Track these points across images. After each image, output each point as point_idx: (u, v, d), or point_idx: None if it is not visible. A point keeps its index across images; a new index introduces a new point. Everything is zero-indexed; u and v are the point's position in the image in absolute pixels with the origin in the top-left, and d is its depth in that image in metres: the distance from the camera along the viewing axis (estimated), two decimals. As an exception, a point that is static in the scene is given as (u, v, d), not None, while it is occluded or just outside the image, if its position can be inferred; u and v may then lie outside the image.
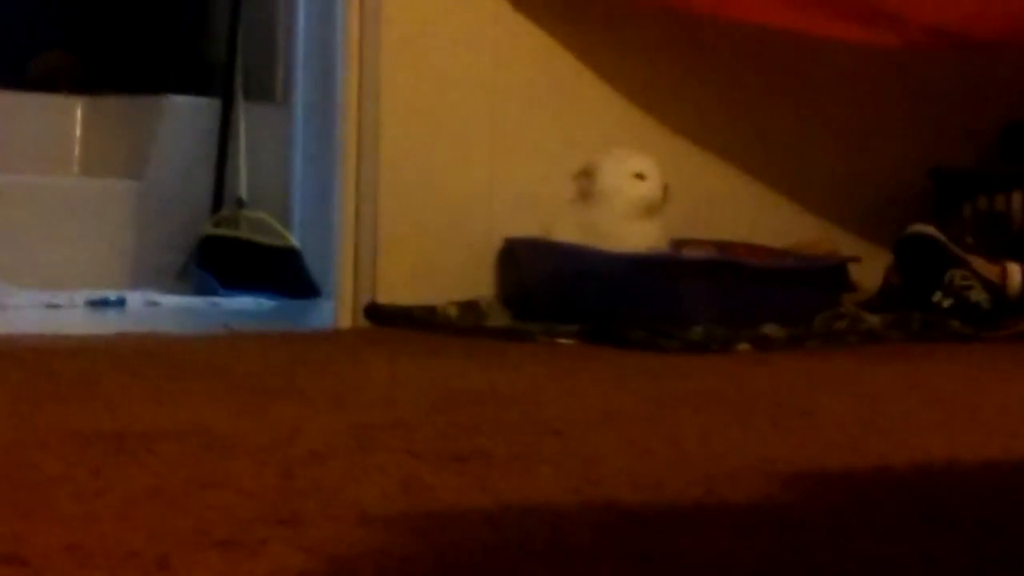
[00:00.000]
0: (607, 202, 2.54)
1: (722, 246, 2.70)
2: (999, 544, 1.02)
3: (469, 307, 2.56)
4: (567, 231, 2.55)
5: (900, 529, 1.06)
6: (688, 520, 1.07)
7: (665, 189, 2.54)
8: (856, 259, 2.75)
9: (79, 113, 3.47)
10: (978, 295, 2.63)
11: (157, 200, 3.31)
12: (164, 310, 2.90)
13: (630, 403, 1.70)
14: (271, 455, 1.27)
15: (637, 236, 2.51)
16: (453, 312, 2.53)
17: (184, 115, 3.39)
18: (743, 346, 2.31)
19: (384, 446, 1.33)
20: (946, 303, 2.64)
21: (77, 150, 3.44)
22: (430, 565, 0.92)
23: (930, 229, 2.73)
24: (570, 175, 2.58)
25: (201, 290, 3.12)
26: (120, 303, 2.91)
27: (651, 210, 2.53)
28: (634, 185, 2.54)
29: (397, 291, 2.57)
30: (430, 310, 2.52)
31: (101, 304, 2.88)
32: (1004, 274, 2.65)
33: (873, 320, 2.58)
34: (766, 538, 1.02)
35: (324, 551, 0.94)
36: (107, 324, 2.57)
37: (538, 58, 2.75)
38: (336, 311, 2.57)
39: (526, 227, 2.63)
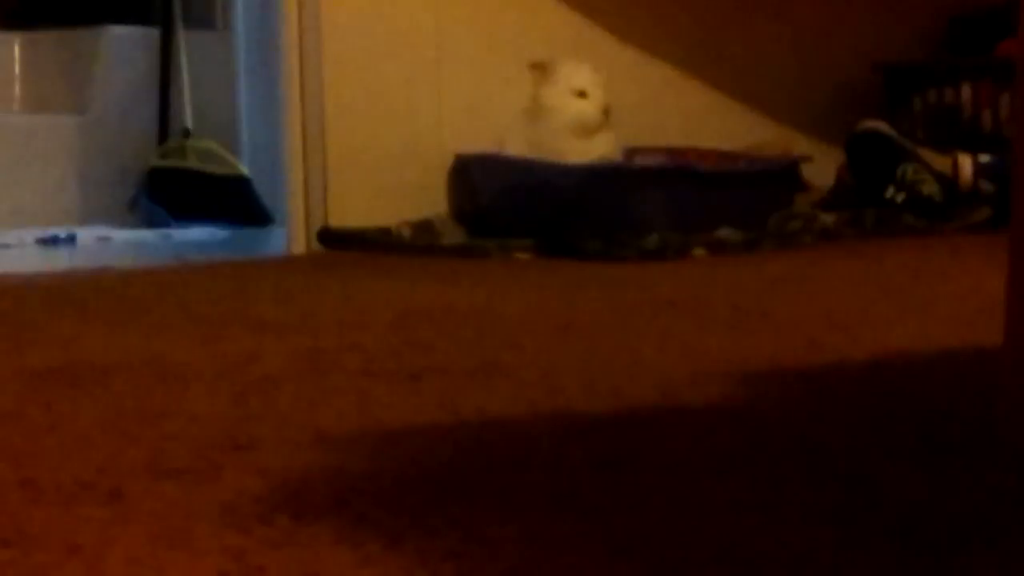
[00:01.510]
0: (550, 118, 2.51)
1: (673, 152, 2.68)
2: (956, 431, 1.03)
3: (423, 226, 2.54)
4: (517, 146, 2.53)
5: (858, 422, 1.07)
6: (647, 425, 1.07)
7: (606, 109, 2.52)
8: (808, 158, 2.75)
9: (16, 49, 3.41)
10: (930, 188, 2.64)
11: (102, 134, 3.26)
12: (115, 245, 2.86)
13: (587, 313, 1.70)
14: (225, 382, 1.26)
15: (579, 153, 2.49)
16: (407, 232, 2.51)
17: (124, 46, 3.33)
18: (698, 251, 2.31)
19: (340, 368, 1.32)
20: (899, 198, 2.64)
21: (17, 87, 3.38)
22: (388, 483, 0.91)
23: (881, 124, 2.72)
24: (526, 70, 2.54)
25: (152, 223, 3.09)
26: (71, 240, 2.87)
27: (589, 129, 2.51)
28: (574, 103, 2.51)
29: (350, 214, 2.54)
30: (384, 231, 2.50)
31: (51, 242, 2.85)
32: (955, 166, 2.66)
33: (827, 219, 2.59)
34: (725, 438, 1.02)
35: (281, 474, 0.93)
36: (58, 261, 2.53)
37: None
38: (289, 237, 2.55)
39: (477, 142, 2.61)
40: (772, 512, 0.82)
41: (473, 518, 0.82)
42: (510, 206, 2.51)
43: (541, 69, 2.53)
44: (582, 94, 2.52)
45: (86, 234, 2.94)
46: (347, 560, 0.74)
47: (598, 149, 2.52)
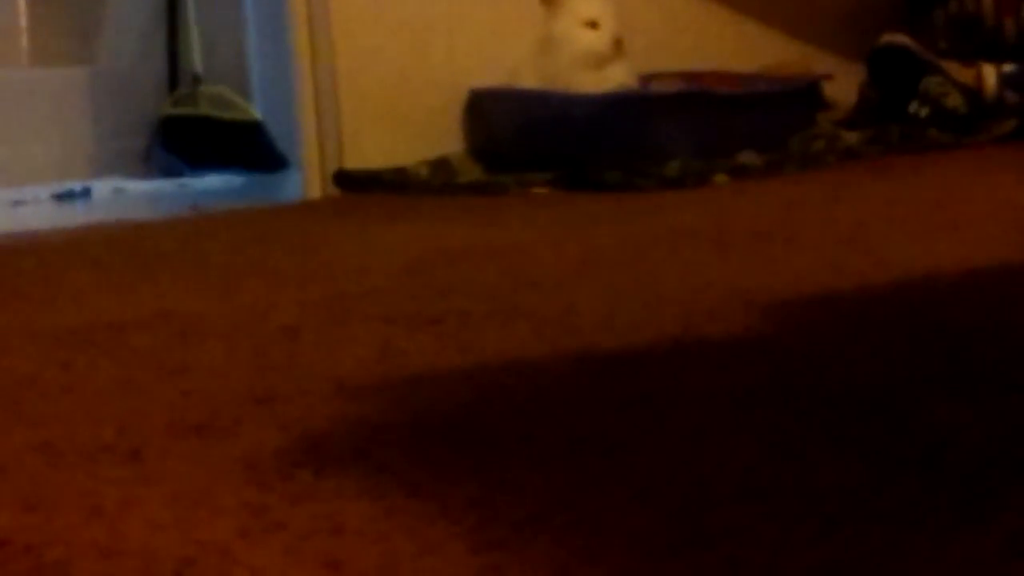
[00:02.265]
0: (560, 50, 2.47)
1: (691, 77, 2.64)
2: (987, 354, 1.01)
3: (440, 165, 2.51)
4: (529, 79, 2.50)
5: (885, 349, 1.05)
6: (668, 361, 1.06)
7: (617, 39, 2.47)
8: (828, 76, 2.70)
9: (23, 3, 3.37)
10: (955, 101, 2.59)
11: (112, 84, 3.24)
12: (131, 196, 2.85)
13: (607, 248, 1.68)
14: (242, 335, 1.24)
15: (592, 84, 2.45)
16: (424, 171, 2.49)
17: (129, -6, 3.30)
18: (720, 178, 2.28)
19: (358, 315, 1.30)
20: (923, 112, 2.60)
21: (24, 40, 3.35)
22: (409, 431, 0.90)
23: (902, 38, 2.67)
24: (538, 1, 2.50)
25: (167, 172, 3.07)
26: (86, 193, 2.86)
27: (601, 61, 2.47)
28: (584, 35, 2.47)
29: (365, 155, 2.52)
30: (400, 171, 2.48)
31: (67, 196, 2.84)
32: (979, 77, 2.61)
33: (851, 137, 2.55)
34: (748, 371, 1.00)
35: (300, 427, 0.92)
36: (74, 216, 2.52)
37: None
38: (305, 182, 2.53)
39: (491, 78, 2.57)
40: (797, 445, 0.80)
41: (495, 464, 0.81)
42: (526, 140, 2.48)
43: (551, 0, 2.48)
44: (592, 24, 2.47)
45: (101, 187, 2.92)
46: (369, 513, 0.73)
47: (612, 79, 2.48)
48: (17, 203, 2.76)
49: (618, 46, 2.47)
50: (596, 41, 2.47)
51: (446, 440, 0.87)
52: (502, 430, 0.89)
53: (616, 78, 2.48)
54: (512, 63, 2.55)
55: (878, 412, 0.86)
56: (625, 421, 0.89)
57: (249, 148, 3.03)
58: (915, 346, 1.04)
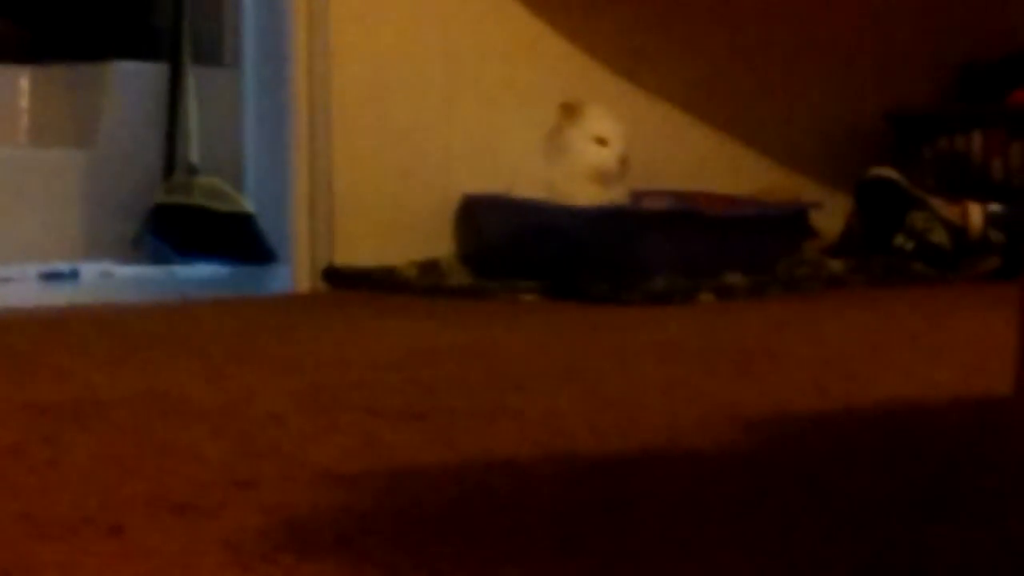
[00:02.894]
0: (567, 160, 2.52)
1: (681, 196, 2.68)
2: (966, 479, 1.01)
3: (429, 267, 2.53)
4: (529, 183, 2.53)
5: (867, 469, 1.05)
6: (652, 469, 1.06)
7: (623, 159, 2.52)
8: (817, 204, 2.74)
9: (25, 83, 3.41)
10: (940, 236, 2.63)
11: (108, 169, 3.25)
12: (119, 280, 2.85)
13: (593, 356, 1.69)
14: (228, 419, 1.24)
15: (591, 198, 2.49)
16: (413, 272, 2.50)
17: (132, 81, 3.33)
18: (706, 296, 2.30)
19: (344, 406, 1.30)
20: (908, 246, 2.63)
21: (25, 120, 3.38)
22: (392, 522, 0.90)
23: (890, 172, 2.72)
24: (556, 109, 2.55)
25: (156, 259, 3.08)
26: (74, 275, 2.86)
27: (605, 178, 2.52)
28: (593, 151, 2.52)
29: (355, 253, 2.53)
30: (389, 271, 2.49)
31: (54, 277, 2.84)
32: (965, 214, 2.65)
33: (835, 265, 2.58)
34: (733, 484, 1.01)
35: (283, 512, 0.92)
36: (61, 296, 2.52)
37: (491, 12, 2.71)
38: (294, 276, 2.53)
39: (484, 184, 2.61)
40: (781, 559, 0.81)
41: (478, 559, 0.81)
42: (516, 247, 2.50)
43: (569, 110, 2.53)
44: (602, 141, 2.52)
45: (89, 269, 2.93)
46: (350, 600, 0.73)
47: (612, 197, 2.53)
48: (3, 280, 2.76)
49: (623, 165, 2.52)
50: (604, 158, 2.52)
51: (429, 532, 0.87)
52: (485, 526, 0.89)
53: (616, 196, 2.53)
54: (507, 171, 2.59)
55: (862, 531, 0.87)
56: (609, 525, 0.89)
57: (240, 240, 3.04)
58: (896, 468, 1.05)
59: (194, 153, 3.22)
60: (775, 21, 3.01)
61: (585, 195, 2.49)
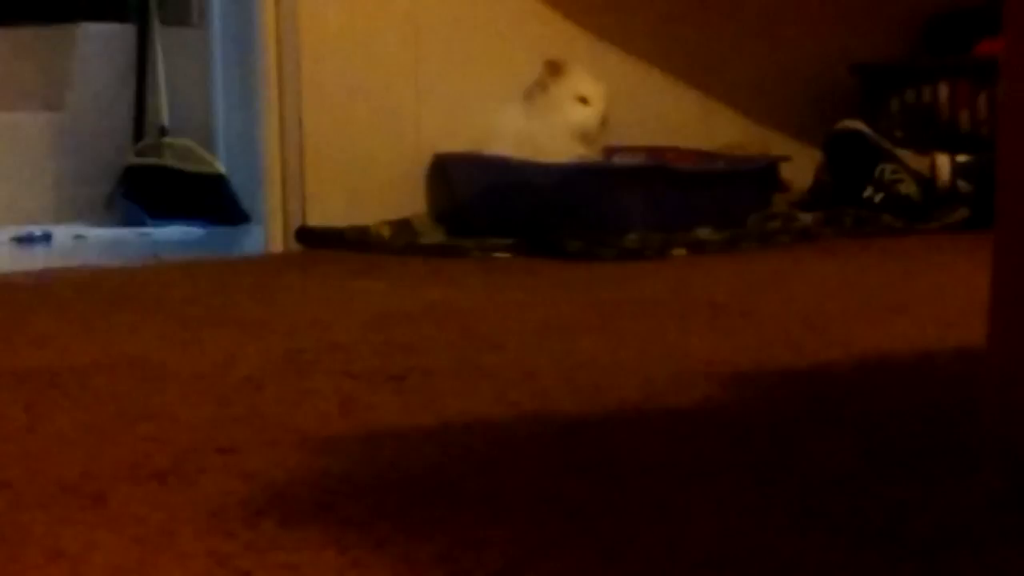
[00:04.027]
0: (549, 118, 2.54)
1: (653, 152, 2.69)
2: (940, 432, 1.03)
3: (402, 226, 2.53)
4: (505, 137, 2.53)
5: (842, 424, 1.07)
6: (630, 427, 1.07)
7: (604, 120, 2.55)
8: (786, 158, 2.75)
9: (-9, 46, 3.38)
10: (908, 188, 2.65)
11: (78, 131, 3.24)
12: (91, 243, 2.85)
13: (568, 314, 1.70)
14: (206, 384, 1.25)
15: (568, 155, 2.50)
16: (386, 231, 2.50)
17: (100, 43, 3.31)
18: (678, 251, 2.31)
19: (321, 369, 1.31)
20: (877, 198, 2.65)
21: (-8, 84, 3.36)
22: (373, 485, 0.91)
23: (859, 124, 2.73)
24: (537, 64, 2.56)
25: (128, 221, 3.07)
26: (46, 238, 2.85)
27: (587, 137, 2.55)
28: (576, 109, 2.55)
29: (328, 213, 2.53)
30: (362, 230, 2.49)
31: (27, 240, 2.83)
32: (933, 166, 2.67)
33: (806, 218, 2.59)
34: (709, 440, 1.02)
35: (263, 477, 0.92)
36: (34, 260, 2.51)
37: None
38: (267, 236, 2.53)
39: (455, 142, 2.60)
40: (757, 515, 0.82)
41: (459, 520, 0.82)
42: (489, 205, 2.50)
43: (553, 68, 2.55)
44: (584, 100, 2.54)
45: (62, 232, 2.92)
46: (333, 564, 0.74)
47: (590, 155, 2.54)
48: (-25, 245, 2.75)
49: (603, 125, 2.54)
50: (586, 117, 2.54)
51: (410, 495, 0.88)
52: (465, 488, 0.90)
53: (593, 154, 2.55)
54: (484, 124, 2.59)
55: (837, 486, 0.88)
56: (587, 485, 0.90)
57: (212, 201, 3.04)
58: (871, 422, 1.07)
59: (164, 115, 3.21)
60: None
61: (566, 152, 2.51)
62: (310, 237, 2.49)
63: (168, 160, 3.11)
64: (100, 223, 3.06)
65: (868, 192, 2.66)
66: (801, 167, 2.80)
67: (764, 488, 0.88)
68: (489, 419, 1.10)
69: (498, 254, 2.33)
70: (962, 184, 2.63)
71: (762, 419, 1.09)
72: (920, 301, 1.74)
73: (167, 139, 3.16)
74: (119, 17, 3.35)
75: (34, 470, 0.95)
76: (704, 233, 2.42)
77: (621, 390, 1.19)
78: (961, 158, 2.66)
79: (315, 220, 2.52)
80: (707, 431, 1.05)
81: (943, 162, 2.66)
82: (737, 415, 1.11)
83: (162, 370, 1.32)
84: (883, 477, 0.90)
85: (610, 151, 2.64)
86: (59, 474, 0.94)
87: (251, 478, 0.92)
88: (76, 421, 1.11)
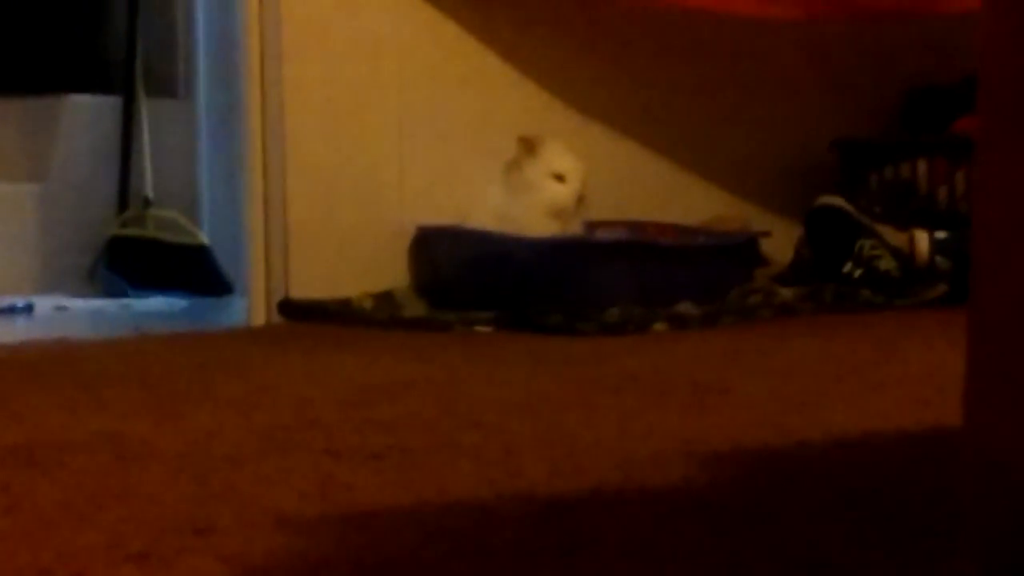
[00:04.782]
0: (525, 195, 2.54)
1: (634, 226, 2.70)
2: (917, 515, 1.03)
3: (384, 298, 2.54)
4: (484, 214, 2.55)
5: (820, 506, 1.07)
6: (609, 508, 1.07)
7: (581, 197, 2.55)
8: (766, 233, 2.77)
9: (-25, 116, 3.39)
10: (887, 264, 2.67)
11: (61, 202, 3.24)
12: (73, 314, 2.84)
13: (549, 389, 1.70)
14: (185, 462, 1.25)
15: (546, 231, 2.51)
16: (368, 304, 2.51)
17: (85, 114, 3.33)
18: (659, 326, 2.32)
19: (301, 447, 1.31)
20: (857, 273, 2.67)
21: (-24, 154, 3.36)
22: (350, 568, 0.91)
23: (838, 200, 2.76)
24: (512, 141, 2.57)
25: (111, 292, 3.07)
26: (28, 309, 2.85)
27: (563, 215, 2.54)
28: (551, 186, 2.54)
29: (311, 285, 2.54)
30: (344, 303, 2.50)
31: (8, 311, 2.82)
32: (912, 242, 2.69)
33: (786, 293, 2.61)
34: (688, 522, 1.02)
35: (241, 559, 0.92)
36: (14, 332, 2.51)
37: (444, 44, 2.73)
38: (249, 308, 2.54)
39: (438, 215, 2.62)
40: (736, 601, 0.82)
41: (437, 607, 0.81)
42: (471, 278, 2.51)
43: (528, 145, 2.55)
44: (560, 178, 2.55)
45: (44, 303, 2.91)
46: (310, 651, 0.73)
47: (565, 229, 2.55)
48: (-42, 315, 2.75)
49: (580, 201, 2.55)
50: (562, 195, 2.54)
51: (388, 579, 0.88)
52: (444, 572, 0.90)
53: (571, 230, 2.55)
54: (464, 200, 2.60)
55: (817, 572, 0.88)
56: (567, 569, 0.90)
57: (195, 272, 3.04)
58: (849, 504, 1.07)
59: (148, 186, 3.22)
60: (723, 53, 3.05)
61: (543, 229, 2.51)
62: (293, 310, 2.50)
63: (151, 231, 3.11)
64: (82, 294, 3.06)
65: (848, 267, 2.68)
66: (782, 242, 2.82)
67: (741, 573, 0.88)
68: (468, 500, 1.10)
69: (479, 327, 2.34)
70: (940, 260, 2.65)
71: (740, 500, 1.09)
72: (899, 379, 1.75)
73: (151, 210, 3.17)
74: (105, 89, 3.37)
75: (11, 552, 0.95)
76: (685, 308, 2.43)
77: (600, 470, 1.19)
78: (940, 234, 2.68)
79: (298, 292, 2.53)
80: (685, 513, 1.05)
81: (922, 238, 2.68)
82: (716, 496, 1.11)
83: (141, 447, 1.31)
84: (862, 564, 0.90)
85: (592, 226, 2.65)
86: (35, 555, 0.93)
87: (228, 560, 0.92)
88: (53, 500, 1.10)
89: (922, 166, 2.91)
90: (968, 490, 0.93)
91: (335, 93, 2.60)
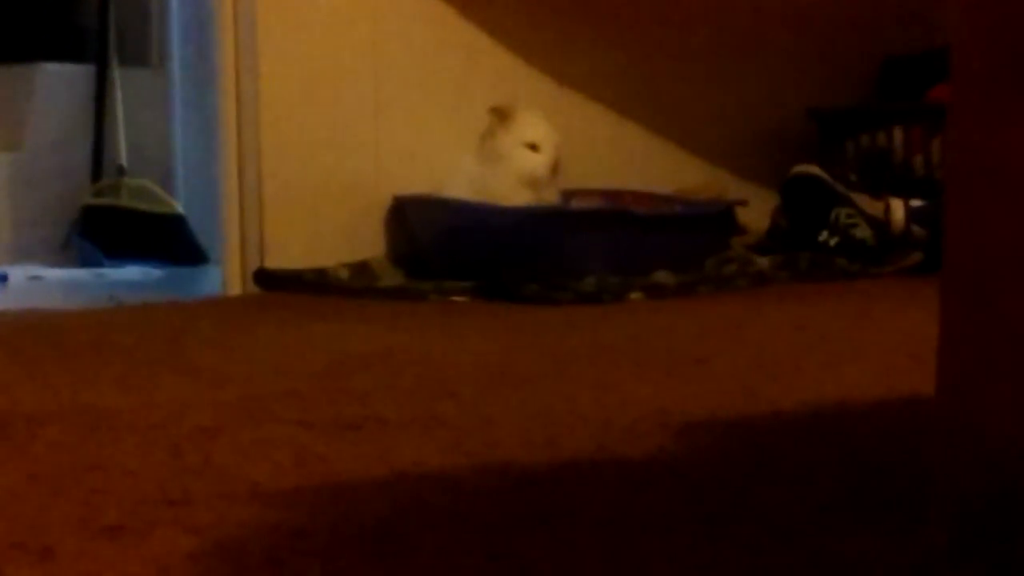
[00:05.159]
0: (500, 165, 2.53)
1: (610, 195, 2.70)
2: (891, 483, 1.04)
3: (360, 268, 2.53)
4: (459, 185, 2.54)
5: (795, 475, 1.07)
6: (584, 479, 1.07)
7: (555, 166, 2.54)
8: (743, 202, 2.77)
9: (-53, 87, 3.36)
10: (863, 232, 2.67)
11: (35, 172, 3.22)
12: (48, 284, 2.83)
13: (525, 360, 1.70)
14: (159, 433, 1.24)
15: (524, 201, 2.51)
16: (344, 274, 2.50)
17: (58, 83, 3.30)
18: (636, 295, 2.32)
19: (275, 418, 1.31)
20: (832, 241, 2.68)
21: (-51, 124, 3.34)
22: (325, 539, 0.90)
23: (814, 168, 2.76)
24: (485, 111, 2.56)
25: (85, 261, 3.05)
26: (2, 279, 2.83)
27: (537, 184, 2.53)
28: (525, 156, 2.53)
29: (286, 255, 2.53)
30: (320, 273, 2.49)
31: (-18, 281, 2.81)
32: (887, 210, 2.69)
33: (762, 262, 2.61)
34: (662, 492, 1.02)
35: (215, 532, 0.92)
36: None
37: (419, 14, 2.71)
38: (224, 278, 2.53)
39: (414, 184, 2.61)
40: (710, 570, 0.82)
41: (411, 577, 0.81)
42: (447, 248, 2.51)
43: (500, 114, 2.54)
44: (534, 147, 2.53)
45: (18, 273, 2.90)
46: (283, 623, 0.73)
47: (543, 200, 2.54)
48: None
49: (554, 170, 2.54)
50: (536, 164, 2.53)
51: (362, 550, 0.88)
52: (419, 543, 0.90)
53: (546, 199, 2.55)
54: (437, 172, 2.59)
55: (791, 539, 0.89)
56: (540, 539, 0.90)
57: (170, 241, 3.03)
58: (824, 473, 1.07)
59: (122, 155, 3.20)
60: (698, 20, 3.04)
61: (517, 199, 2.51)
62: (268, 279, 2.49)
63: (126, 200, 3.10)
64: (57, 264, 3.05)
65: (823, 236, 2.68)
66: (758, 211, 2.82)
67: (717, 543, 0.88)
68: (443, 470, 1.09)
69: (456, 297, 2.33)
70: (916, 229, 2.66)
71: (715, 470, 1.09)
72: (873, 347, 1.76)
73: (125, 179, 3.15)
74: (78, 58, 3.34)
75: (-18, 524, 0.94)
76: (661, 277, 2.43)
77: (575, 440, 1.19)
78: (915, 203, 2.69)
79: (273, 262, 2.52)
80: (661, 483, 1.05)
81: (897, 206, 2.69)
82: (691, 466, 1.11)
83: (114, 419, 1.31)
84: (835, 531, 0.91)
85: (568, 194, 2.65)
86: (7, 529, 0.93)
87: (202, 532, 0.91)
88: (25, 473, 1.10)
89: (898, 134, 2.91)
90: (940, 457, 0.94)
91: (310, 62, 2.58)
